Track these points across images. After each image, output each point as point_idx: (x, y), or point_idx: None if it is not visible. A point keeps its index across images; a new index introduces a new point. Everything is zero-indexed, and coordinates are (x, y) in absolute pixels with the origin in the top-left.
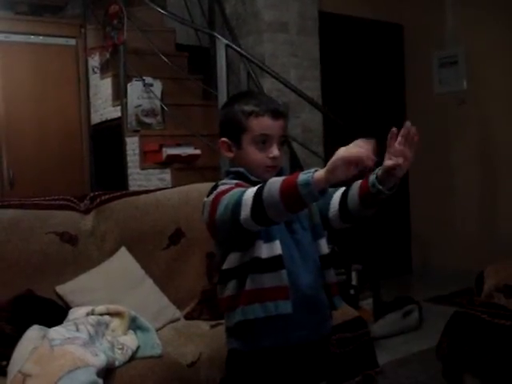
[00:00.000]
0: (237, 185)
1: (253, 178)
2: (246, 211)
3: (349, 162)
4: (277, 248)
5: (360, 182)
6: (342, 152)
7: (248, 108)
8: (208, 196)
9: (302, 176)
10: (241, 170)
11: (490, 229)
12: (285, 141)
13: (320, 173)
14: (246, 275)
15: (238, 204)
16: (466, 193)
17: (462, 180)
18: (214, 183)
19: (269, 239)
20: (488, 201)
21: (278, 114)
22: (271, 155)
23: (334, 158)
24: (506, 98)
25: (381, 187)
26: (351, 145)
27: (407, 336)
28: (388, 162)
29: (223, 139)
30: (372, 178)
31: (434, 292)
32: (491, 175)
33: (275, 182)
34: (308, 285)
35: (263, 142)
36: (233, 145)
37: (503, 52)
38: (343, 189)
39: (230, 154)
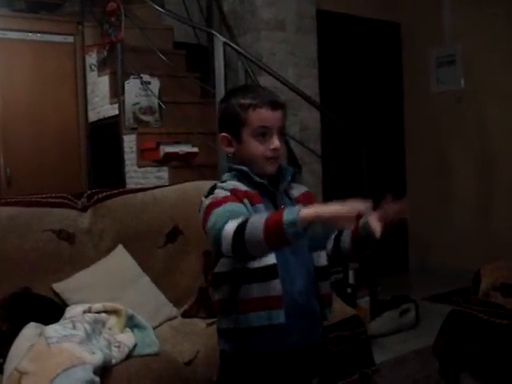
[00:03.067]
0: (233, 191)
1: (256, 179)
2: (226, 245)
3: (336, 219)
4: (271, 257)
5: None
6: (334, 208)
7: (246, 101)
8: (206, 196)
9: (288, 216)
10: (244, 168)
11: (487, 227)
12: (284, 132)
13: (307, 212)
14: (239, 283)
15: (219, 235)
16: (463, 191)
17: (459, 179)
18: (211, 181)
19: None
20: (485, 199)
21: (276, 105)
22: (272, 147)
23: (325, 208)
24: (503, 96)
25: (370, 231)
26: (346, 205)
27: (404, 334)
28: (372, 223)
29: (223, 134)
30: (363, 220)
31: (430, 290)
32: (488, 174)
33: (258, 222)
34: (301, 292)
35: (263, 134)
36: (233, 139)
37: (501, 51)
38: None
39: (231, 149)
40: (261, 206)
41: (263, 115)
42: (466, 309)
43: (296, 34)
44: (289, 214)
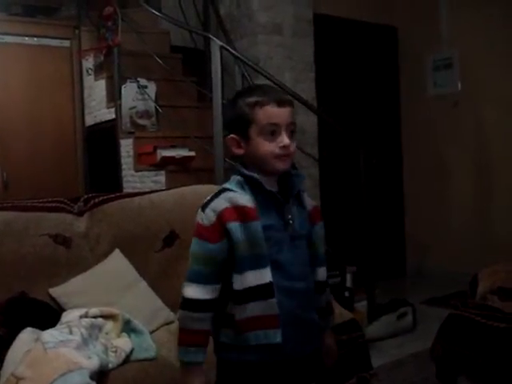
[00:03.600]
0: (221, 215)
1: (267, 188)
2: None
3: None
4: (267, 275)
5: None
6: None
7: (252, 99)
8: (202, 208)
9: (181, 354)
10: (255, 176)
11: (484, 230)
12: (294, 130)
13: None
14: (231, 302)
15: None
16: (460, 195)
17: (457, 182)
18: (208, 185)
19: (258, 266)
20: (482, 202)
21: (282, 101)
22: (281, 144)
23: None
24: (500, 100)
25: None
26: None
27: (401, 338)
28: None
29: (231, 136)
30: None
31: (428, 294)
32: (485, 177)
33: (180, 323)
34: (299, 306)
35: (272, 132)
36: (241, 140)
37: (498, 54)
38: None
39: (240, 151)
40: (256, 223)
41: (270, 112)
42: (464, 312)
43: (293, 38)
44: (185, 355)
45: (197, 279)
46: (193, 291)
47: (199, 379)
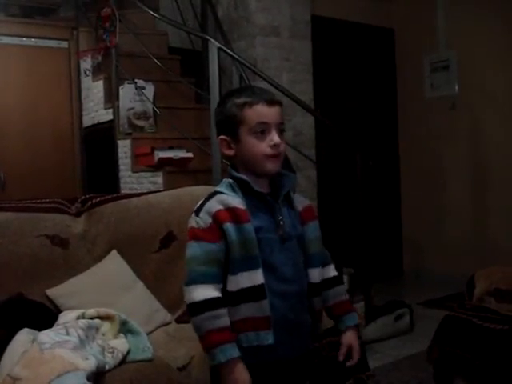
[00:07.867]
0: (216, 217)
1: (256, 189)
2: (186, 301)
3: None
4: (258, 277)
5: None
6: None
7: (241, 100)
8: (196, 212)
9: (216, 356)
10: (244, 178)
11: (481, 232)
12: (284, 129)
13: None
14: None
15: (184, 287)
16: (457, 197)
17: (454, 184)
18: (205, 186)
19: (251, 268)
20: (479, 204)
21: (272, 101)
22: (272, 143)
23: None
24: (497, 102)
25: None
26: None
27: (398, 340)
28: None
29: (222, 137)
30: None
31: (425, 296)
32: (482, 179)
33: (205, 325)
34: (292, 308)
35: (262, 131)
36: (231, 141)
37: (495, 56)
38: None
39: (231, 152)
40: (248, 225)
41: (260, 111)
42: (461, 314)
43: (290, 40)
44: (220, 355)
45: (201, 280)
46: (200, 292)
47: (245, 371)
